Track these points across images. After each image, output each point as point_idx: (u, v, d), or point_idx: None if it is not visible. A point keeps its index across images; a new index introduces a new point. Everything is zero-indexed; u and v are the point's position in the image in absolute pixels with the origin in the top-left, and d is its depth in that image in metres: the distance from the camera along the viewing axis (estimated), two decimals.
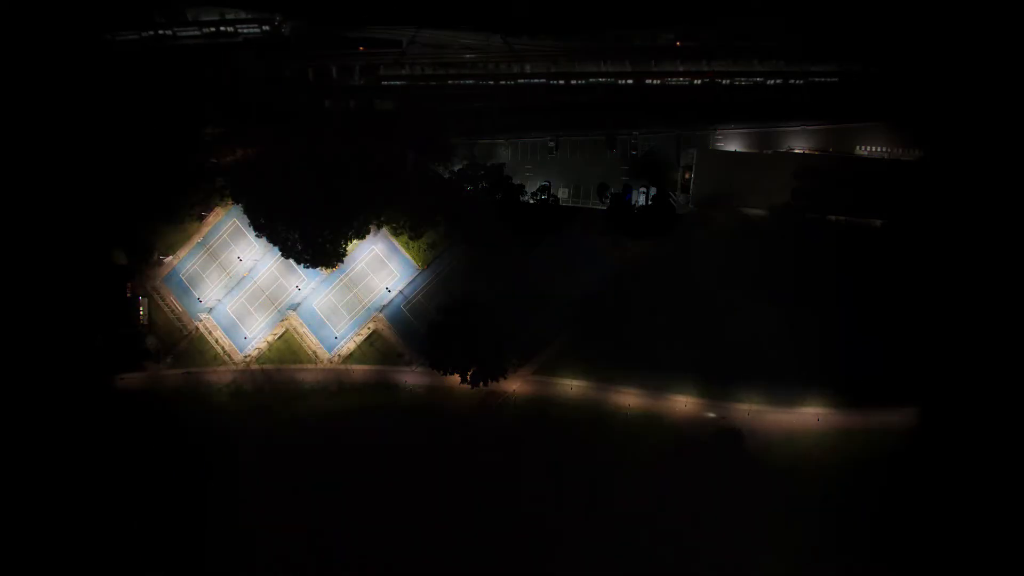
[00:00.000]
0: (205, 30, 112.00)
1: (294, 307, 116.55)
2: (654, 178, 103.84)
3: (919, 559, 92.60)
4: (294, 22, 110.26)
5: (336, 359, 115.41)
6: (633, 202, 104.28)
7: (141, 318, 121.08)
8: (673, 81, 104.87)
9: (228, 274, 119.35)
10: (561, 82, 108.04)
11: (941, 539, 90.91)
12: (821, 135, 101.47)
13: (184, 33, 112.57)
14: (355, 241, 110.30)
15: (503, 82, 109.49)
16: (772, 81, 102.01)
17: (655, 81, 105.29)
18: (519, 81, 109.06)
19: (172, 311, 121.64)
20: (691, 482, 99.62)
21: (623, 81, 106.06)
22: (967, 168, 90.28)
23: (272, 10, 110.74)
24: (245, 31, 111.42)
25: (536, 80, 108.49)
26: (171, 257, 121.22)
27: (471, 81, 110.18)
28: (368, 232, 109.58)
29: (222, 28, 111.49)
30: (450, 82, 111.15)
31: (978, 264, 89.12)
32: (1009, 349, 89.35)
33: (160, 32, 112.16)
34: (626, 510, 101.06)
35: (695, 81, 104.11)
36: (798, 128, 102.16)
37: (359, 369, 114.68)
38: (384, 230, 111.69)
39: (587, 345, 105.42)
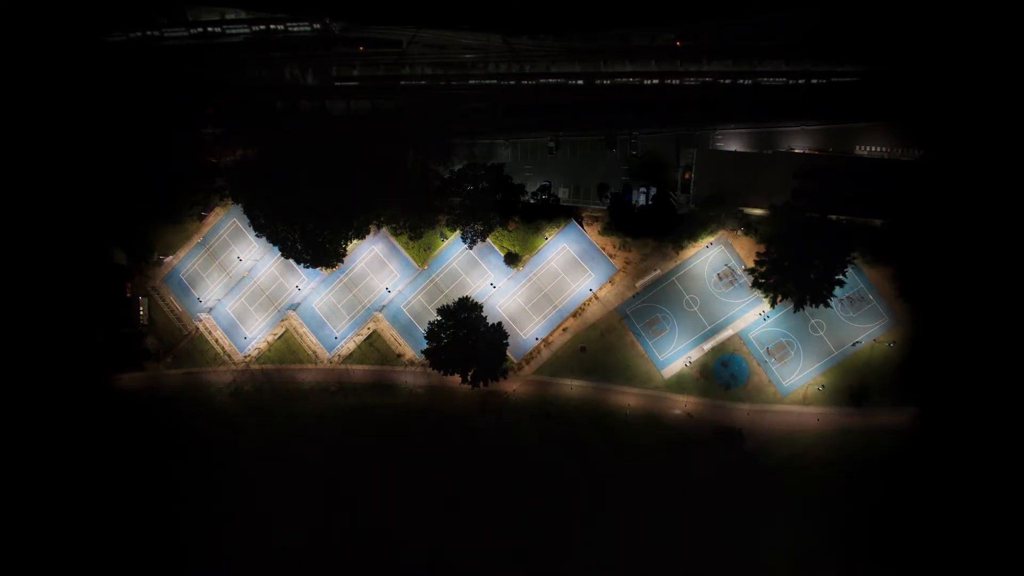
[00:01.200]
0: (255, 28, 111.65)
1: (294, 307, 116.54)
2: (654, 178, 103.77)
3: (919, 559, 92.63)
4: (343, 21, 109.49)
5: (336, 359, 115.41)
6: (633, 202, 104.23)
7: (141, 318, 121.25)
8: (673, 81, 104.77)
9: (228, 274, 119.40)
10: (561, 82, 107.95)
11: (941, 539, 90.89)
12: (821, 135, 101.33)
13: (232, 31, 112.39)
14: (355, 241, 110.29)
15: (503, 82, 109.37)
16: (772, 81, 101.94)
17: (655, 81, 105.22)
18: (519, 81, 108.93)
19: (172, 311, 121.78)
20: (691, 482, 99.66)
21: (622, 81, 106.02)
22: (967, 168, 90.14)
23: (272, 10, 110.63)
24: (296, 30, 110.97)
25: (537, 80, 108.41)
26: (171, 257, 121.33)
27: (471, 81, 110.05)
28: (368, 232, 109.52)
29: (271, 27, 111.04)
30: (449, 83, 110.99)
31: (978, 264, 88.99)
32: (1009, 349, 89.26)
33: (209, 29, 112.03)
34: (626, 510, 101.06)
35: (695, 81, 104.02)
36: (798, 128, 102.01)
37: (359, 369, 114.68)
38: (384, 230, 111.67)
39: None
